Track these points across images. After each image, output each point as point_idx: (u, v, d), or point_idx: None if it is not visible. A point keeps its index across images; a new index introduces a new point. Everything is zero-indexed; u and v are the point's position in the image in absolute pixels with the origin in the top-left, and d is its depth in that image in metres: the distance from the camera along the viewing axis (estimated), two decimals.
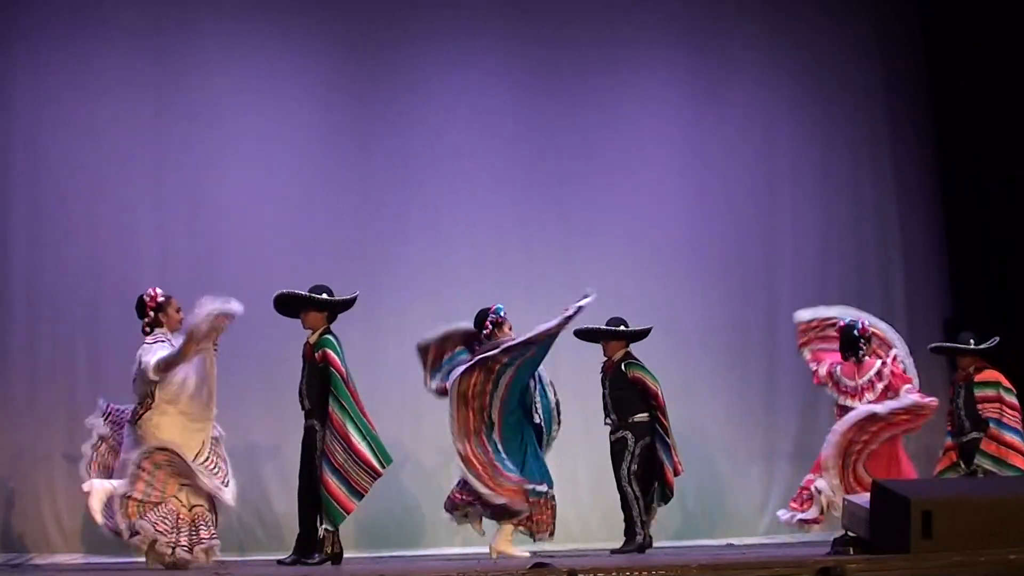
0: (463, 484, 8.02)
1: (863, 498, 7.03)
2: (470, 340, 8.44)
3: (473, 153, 10.65)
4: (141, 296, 7.68)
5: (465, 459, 7.82)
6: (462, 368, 7.91)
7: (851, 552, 6.78)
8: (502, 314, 8.47)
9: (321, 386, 7.93)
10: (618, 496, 8.92)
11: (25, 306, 9.44)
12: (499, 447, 7.94)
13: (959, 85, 11.66)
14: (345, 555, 8.15)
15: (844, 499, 7.34)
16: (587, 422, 9.55)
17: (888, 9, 12.07)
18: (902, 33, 12.07)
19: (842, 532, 7.29)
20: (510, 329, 8.47)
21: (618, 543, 8.98)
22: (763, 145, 11.49)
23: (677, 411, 9.55)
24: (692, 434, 9.73)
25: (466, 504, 8.09)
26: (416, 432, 9.79)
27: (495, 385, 7.92)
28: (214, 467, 7.49)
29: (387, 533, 9.73)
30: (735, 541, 10.12)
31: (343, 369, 7.90)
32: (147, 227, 9.74)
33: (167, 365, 7.35)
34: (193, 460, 7.36)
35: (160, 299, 7.66)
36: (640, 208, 11.03)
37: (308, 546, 7.97)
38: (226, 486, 7.50)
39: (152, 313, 7.64)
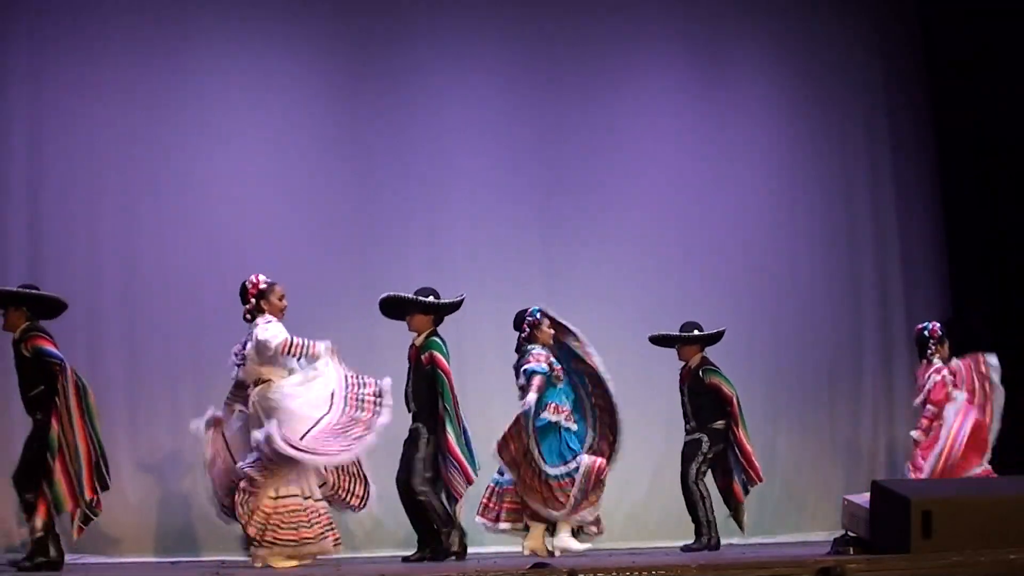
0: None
1: (863, 498, 7.04)
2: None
3: (473, 152, 10.64)
4: (244, 283, 7.66)
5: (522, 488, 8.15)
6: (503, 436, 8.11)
7: (851, 552, 6.78)
8: (538, 316, 8.55)
9: (428, 388, 8.04)
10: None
11: None
12: (540, 458, 8.16)
13: (959, 85, 11.67)
14: (345, 555, 8.14)
15: (844, 499, 7.35)
16: None
17: (888, 9, 12.07)
18: (902, 33, 12.07)
19: (842, 532, 7.29)
20: (549, 327, 8.53)
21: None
22: (762, 145, 11.48)
23: (675, 413, 9.53)
24: None
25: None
26: None
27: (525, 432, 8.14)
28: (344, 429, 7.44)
29: (388, 533, 9.71)
30: (735, 541, 10.11)
31: (450, 371, 8.02)
32: (148, 225, 9.73)
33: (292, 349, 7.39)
34: (307, 432, 7.30)
35: (263, 285, 7.62)
36: (640, 208, 11.02)
37: (432, 542, 8.09)
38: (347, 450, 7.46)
39: (254, 300, 7.60)
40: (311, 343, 7.43)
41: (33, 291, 7.86)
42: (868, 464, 11.31)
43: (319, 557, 7.52)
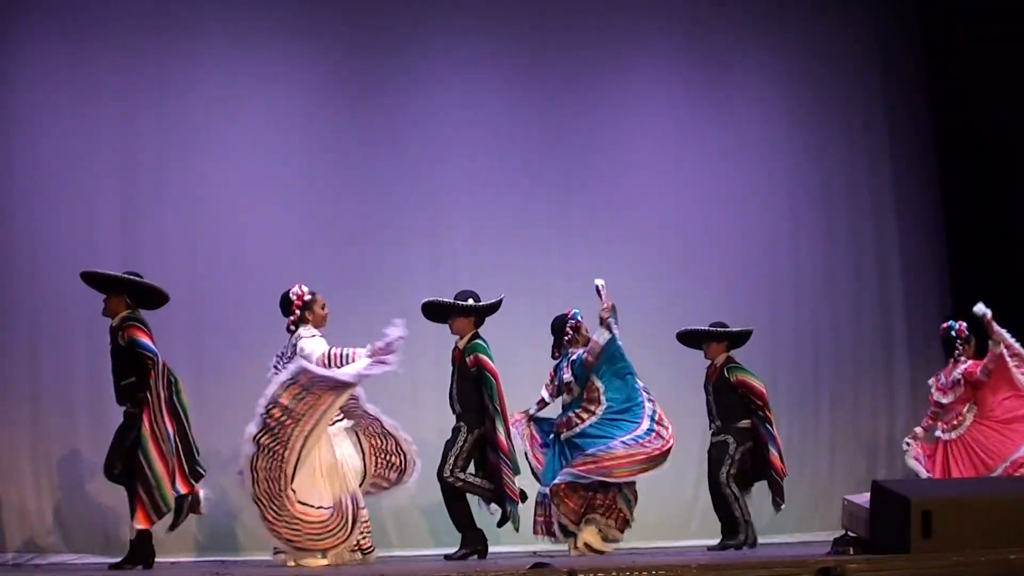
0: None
1: (863, 498, 7.03)
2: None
3: (474, 151, 10.65)
4: (286, 293, 7.71)
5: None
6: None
7: (851, 552, 6.78)
8: (579, 318, 8.64)
9: (475, 390, 8.17)
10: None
11: (26, 305, 9.44)
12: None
13: (959, 85, 11.67)
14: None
15: (844, 499, 7.35)
16: None
17: (888, 9, 12.08)
18: (902, 33, 12.07)
19: (842, 532, 7.29)
20: (586, 331, 8.63)
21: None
22: (762, 145, 11.49)
23: (677, 412, 9.52)
24: (692, 434, 9.72)
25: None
26: (416, 432, 9.76)
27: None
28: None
29: (387, 533, 9.72)
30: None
31: (497, 372, 8.14)
32: (147, 225, 9.73)
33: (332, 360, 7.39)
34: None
35: (307, 297, 7.68)
36: (640, 207, 11.03)
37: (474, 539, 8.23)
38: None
39: (299, 311, 7.66)
40: (351, 351, 7.40)
41: (135, 278, 7.78)
42: (868, 464, 11.32)
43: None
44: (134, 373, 7.52)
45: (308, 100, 10.33)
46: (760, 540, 9.21)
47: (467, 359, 8.25)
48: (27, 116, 9.61)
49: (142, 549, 7.54)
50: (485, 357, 8.21)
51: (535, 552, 8.94)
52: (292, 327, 7.68)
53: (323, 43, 10.40)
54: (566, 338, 8.63)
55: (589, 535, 8.39)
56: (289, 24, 10.31)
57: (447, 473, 8.21)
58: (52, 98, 9.66)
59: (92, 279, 7.82)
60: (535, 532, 8.50)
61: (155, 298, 7.85)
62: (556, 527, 8.37)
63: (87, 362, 9.42)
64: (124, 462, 7.50)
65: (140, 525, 7.42)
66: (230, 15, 10.17)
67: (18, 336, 9.38)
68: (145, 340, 7.53)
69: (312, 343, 7.51)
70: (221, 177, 9.97)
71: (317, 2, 10.45)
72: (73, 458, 9.31)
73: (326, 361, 7.37)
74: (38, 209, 9.55)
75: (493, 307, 8.45)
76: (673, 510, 10.44)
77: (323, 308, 7.76)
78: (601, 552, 8.33)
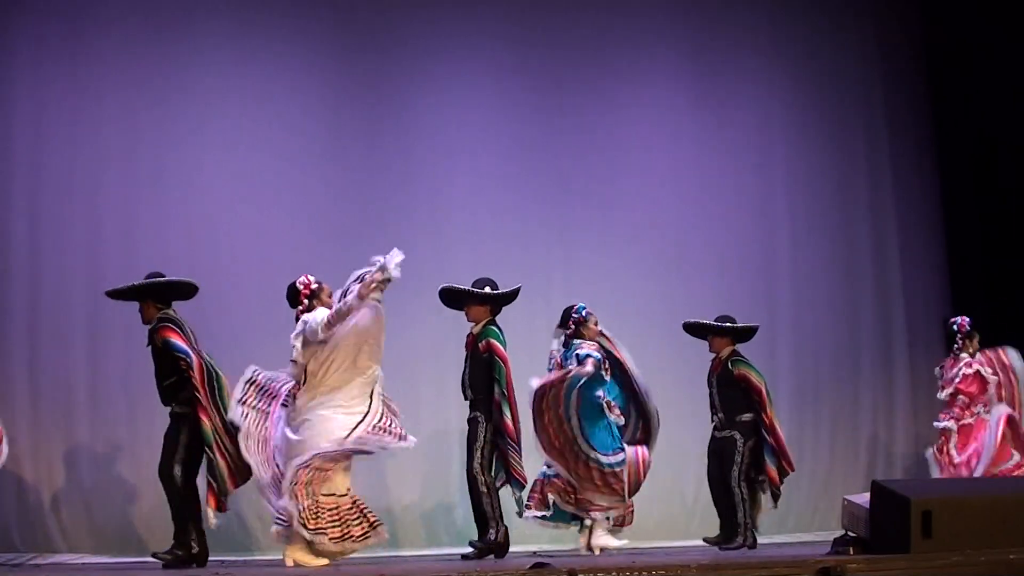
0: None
1: (863, 498, 7.03)
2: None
3: (475, 152, 10.65)
4: (294, 284, 7.68)
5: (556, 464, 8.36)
6: (536, 387, 8.28)
7: (851, 552, 6.78)
8: (584, 312, 8.68)
9: (486, 376, 8.20)
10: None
11: (26, 304, 9.44)
12: (588, 446, 8.34)
13: (959, 86, 11.67)
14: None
15: (844, 499, 7.36)
16: None
17: (888, 9, 12.08)
18: (902, 33, 12.07)
19: (842, 532, 7.29)
20: (596, 324, 8.68)
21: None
22: (762, 146, 11.49)
23: (676, 411, 9.55)
24: (692, 434, 9.72)
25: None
26: (416, 432, 9.77)
27: (567, 398, 8.27)
28: (387, 425, 7.50)
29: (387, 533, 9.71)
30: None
31: (507, 358, 8.18)
32: (147, 223, 9.73)
33: (337, 317, 7.30)
34: (355, 428, 7.33)
35: (314, 286, 7.67)
36: (639, 208, 11.03)
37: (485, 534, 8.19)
38: (403, 440, 7.52)
39: (307, 300, 7.64)
40: (346, 303, 7.33)
41: (152, 281, 7.74)
42: (868, 464, 11.32)
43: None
44: (175, 373, 7.56)
45: (309, 98, 10.33)
46: (760, 540, 9.20)
47: (479, 345, 8.28)
48: (28, 116, 9.62)
49: (188, 543, 7.56)
50: (497, 343, 8.24)
51: (535, 552, 8.95)
52: (299, 318, 7.67)
53: (324, 42, 10.41)
54: (568, 331, 8.66)
55: (598, 537, 8.42)
56: (290, 22, 10.31)
57: (476, 468, 8.17)
58: (53, 96, 9.66)
59: (118, 295, 7.85)
60: (527, 507, 8.54)
61: (181, 290, 7.83)
62: (549, 502, 8.47)
63: (87, 362, 9.44)
64: (182, 464, 7.56)
65: (212, 510, 7.43)
66: (231, 13, 10.16)
67: (18, 336, 9.37)
68: (176, 341, 7.56)
69: (316, 313, 7.48)
70: (221, 175, 9.97)
71: (322, 4, 10.46)
72: (73, 458, 9.31)
73: (332, 322, 7.34)
74: (38, 209, 9.55)
75: (509, 296, 8.47)
76: (673, 510, 10.44)
77: (330, 297, 7.73)
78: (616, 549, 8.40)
